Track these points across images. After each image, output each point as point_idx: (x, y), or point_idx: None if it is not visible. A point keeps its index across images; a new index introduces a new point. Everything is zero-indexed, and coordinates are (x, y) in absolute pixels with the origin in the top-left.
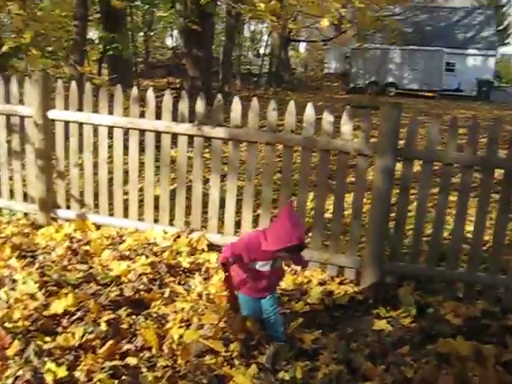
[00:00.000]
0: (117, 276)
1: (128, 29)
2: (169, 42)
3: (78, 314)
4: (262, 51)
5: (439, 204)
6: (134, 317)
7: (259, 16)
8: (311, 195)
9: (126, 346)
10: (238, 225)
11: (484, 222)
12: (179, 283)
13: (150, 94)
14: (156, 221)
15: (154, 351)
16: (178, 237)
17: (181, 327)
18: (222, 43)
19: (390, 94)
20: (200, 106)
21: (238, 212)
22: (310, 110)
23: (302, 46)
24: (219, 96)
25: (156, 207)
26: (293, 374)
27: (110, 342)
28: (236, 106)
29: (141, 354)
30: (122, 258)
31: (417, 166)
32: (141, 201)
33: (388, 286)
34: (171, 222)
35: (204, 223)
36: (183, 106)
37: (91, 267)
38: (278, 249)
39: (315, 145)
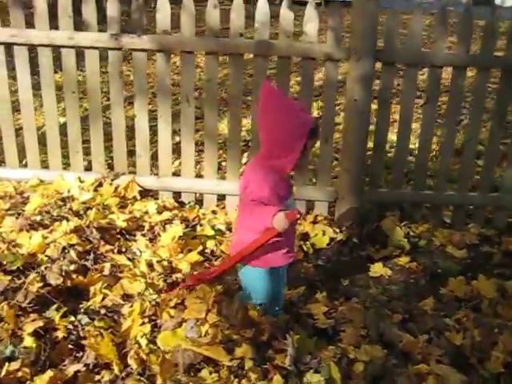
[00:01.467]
0: (31, 255)
1: None
2: None
3: None
4: None
5: (426, 116)
6: (72, 318)
7: None
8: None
9: (72, 368)
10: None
11: (477, 134)
12: (119, 251)
13: None
14: (66, 166)
15: (115, 370)
16: (100, 185)
17: (144, 324)
18: None
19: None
20: (112, 8)
21: (176, 145)
22: (263, 6)
23: None
24: None
25: (65, 148)
26: (327, 374)
27: (47, 371)
28: (163, 4)
29: (97, 378)
30: (33, 226)
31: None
32: (43, 142)
33: (370, 219)
34: (88, 167)
35: (132, 164)
36: (89, 10)
37: None
38: (300, 150)
39: (272, 50)
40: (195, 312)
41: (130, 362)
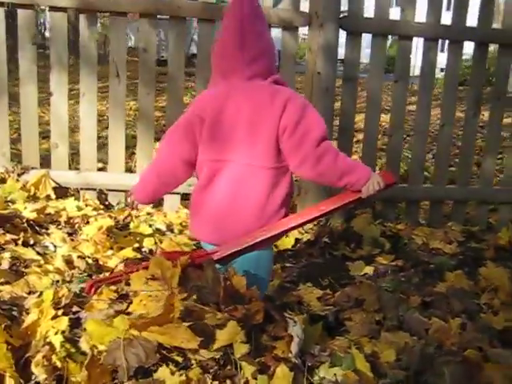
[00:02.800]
0: None
1: None
2: None
3: None
4: None
5: (396, 97)
6: None
7: None
8: None
9: None
10: (102, 151)
11: (452, 117)
12: (25, 244)
13: None
14: None
15: None
16: (3, 181)
17: (57, 317)
18: None
19: None
20: None
21: (102, 131)
22: None
23: None
24: None
25: None
26: (351, 365)
27: None
28: None
29: None
30: None
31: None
32: None
33: (337, 220)
34: None
35: (45, 156)
36: None
37: None
38: None
39: (221, 14)
40: (147, 299)
41: (36, 370)
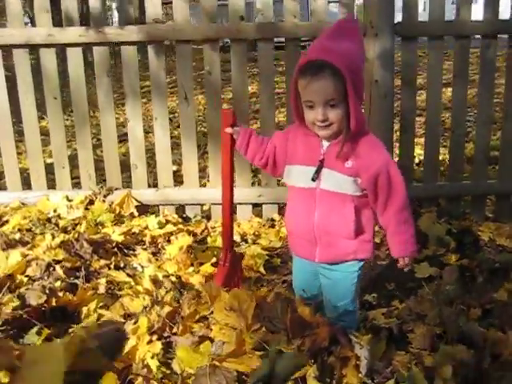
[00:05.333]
0: (7, 276)
1: None
2: None
3: None
4: None
5: (456, 96)
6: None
7: None
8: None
9: None
10: (177, 171)
11: None
12: (117, 267)
13: None
14: (52, 186)
15: None
16: (91, 203)
17: (152, 342)
18: None
19: None
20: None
21: (175, 150)
22: None
23: None
24: None
25: (49, 165)
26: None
27: None
28: None
29: None
30: (11, 244)
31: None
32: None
33: None
34: (76, 184)
35: (128, 178)
36: (69, 2)
37: None
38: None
39: (278, 32)
40: (228, 329)
41: None
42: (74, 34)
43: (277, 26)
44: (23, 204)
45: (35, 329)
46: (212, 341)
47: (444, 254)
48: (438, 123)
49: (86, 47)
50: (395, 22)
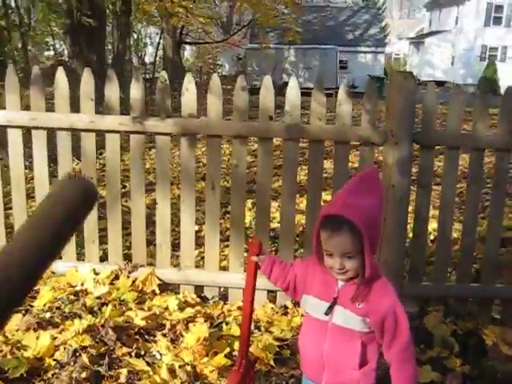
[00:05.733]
0: (37, 358)
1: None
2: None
3: None
4: (147, 59)
5: (469, 202)
6: None
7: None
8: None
9: None
10: (200, 253)
11: None
12: (137, 355)
13: (61, 76)
14: (80, 257)
15: None
16: (116, 277)
17: None
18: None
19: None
20: (137, 90)
21: (199, 234)
22: (294, 87)
23: (188, 51)
24: (163, 75)
25: (80, 238)
26: None
27: None
28: (189, 86)
29: None
30: (41, 325)
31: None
32: None
33: (412, 316)
34: (103, 258)
35: (151, 255)
36: (112, 93)
37: None
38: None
39: (304, 134)
40: None
41: None
42: (114, 122)
43: (303, 128)
44: (53, 273)
45: None
46: None
47: (447, 357)
48: (450, 226)
49: (125, 134)
50: (414, 131)
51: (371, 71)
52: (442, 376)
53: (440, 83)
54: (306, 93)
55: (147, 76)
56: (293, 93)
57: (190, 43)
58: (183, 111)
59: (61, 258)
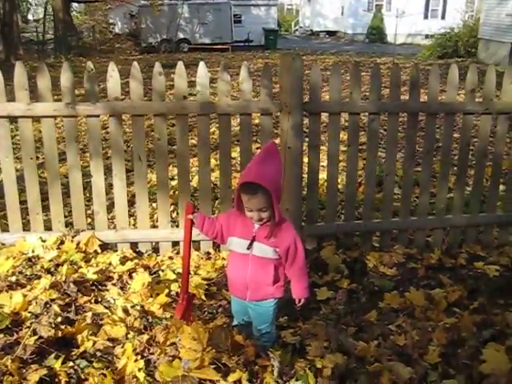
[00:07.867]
0: (15, 313)
1: None
2: None
3: None
4: (30, 16)
5: (350, 156)
6: (71, 364)
7: None
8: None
9: None
10: (132, 215)
11: (394, 167)
12: (96, 301)
13: None
14: (26, 228)
15: None
16: (62, 243)
17: (137, 360)
18: None
19: (184, 50)
20: (65, 78)
21: (131, 201)
22: (203, 70)
23: (78, 9)
24: (89, 64)
25: (24, 210)
26: (305, 380)
27: None
28: (113, 74)
29: None
30: (12, 287)
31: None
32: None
33: (312, 251)
34: (48, 226)
35: (90, 220)
36: (44, 83)
37: None
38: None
39: (215, 109)
40: (191, 351)
41: None
42: (50, 108)
43: (213, 104)
44: (3, 244)
45: (53, 355)
46: (181, 359)
47: (339, 280)
48: (336, 176)
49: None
50: (303, 101)
51: (265, 24)
52: (336, 293)
53: (331, 33)
54: (203, 48)
55: (32, 36)
56: (202, 75)
57: (79, 1)
58: (109, 95)
59: (8, 231)
